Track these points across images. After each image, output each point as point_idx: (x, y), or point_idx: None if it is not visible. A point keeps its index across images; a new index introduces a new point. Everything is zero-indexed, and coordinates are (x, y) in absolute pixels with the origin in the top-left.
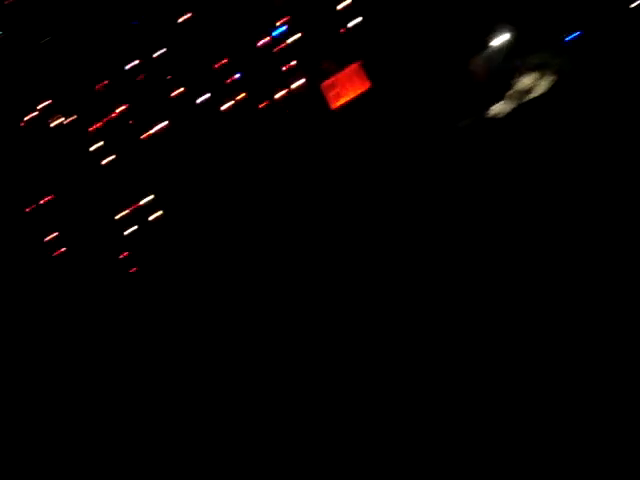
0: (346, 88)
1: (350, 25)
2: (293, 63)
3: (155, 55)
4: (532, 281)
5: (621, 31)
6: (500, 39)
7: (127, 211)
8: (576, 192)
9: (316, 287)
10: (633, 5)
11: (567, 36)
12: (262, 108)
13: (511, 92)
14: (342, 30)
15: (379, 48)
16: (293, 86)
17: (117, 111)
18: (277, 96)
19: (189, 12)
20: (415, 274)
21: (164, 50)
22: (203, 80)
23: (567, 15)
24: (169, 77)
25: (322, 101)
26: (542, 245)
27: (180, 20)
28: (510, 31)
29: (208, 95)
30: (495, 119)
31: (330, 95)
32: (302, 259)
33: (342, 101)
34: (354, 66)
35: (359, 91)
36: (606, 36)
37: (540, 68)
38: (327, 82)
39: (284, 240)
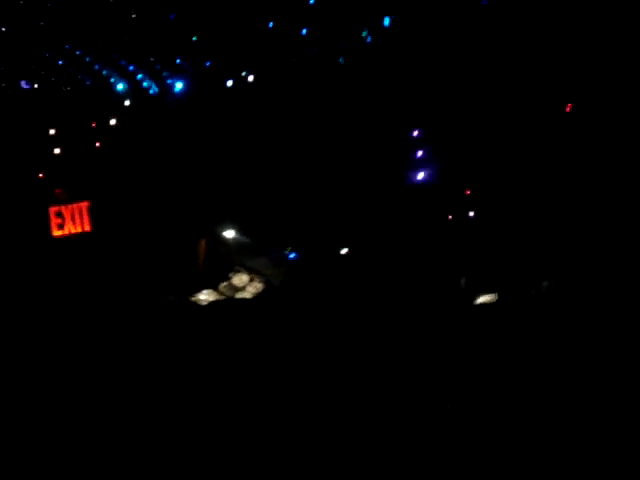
0: (68, 221)
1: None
2: None
3: None
4: None
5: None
6: (230, 233)
7: None
8: None
9: None
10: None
11: (289, 254)
12: None
13: (225, 284)
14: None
15: (109, 192)
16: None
17: None
18: None
19: None
20: None
21: None
22: None
23: (289, 238)
24: None
25: (46, 225)
26: None
27: None
28: (237, 229)
29: None
30: (197, 304)
31: (54, 222)
32: None
33: (63, 232)
34: (82, 204)
35: (78, 230)
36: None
37: (253, 271)
38: (54, 208)
39: None
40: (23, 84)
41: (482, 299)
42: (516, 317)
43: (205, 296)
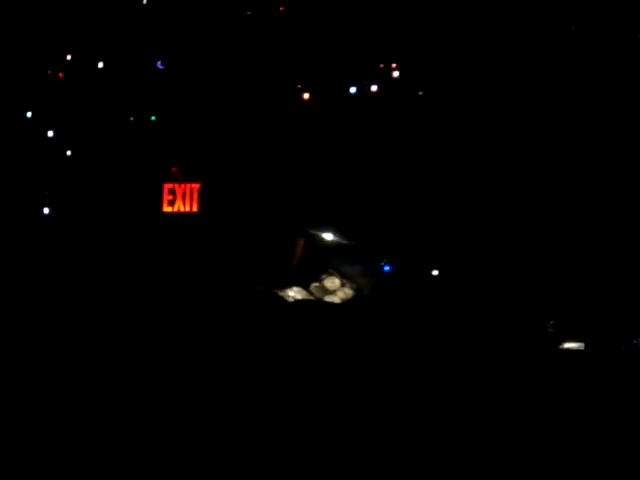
0: (179, 199)
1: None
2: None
3: None
4: None
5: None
6: (328, 235)
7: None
8: None
9: None
10: None
11: (384, 267)
12: None
13: (317, 285)
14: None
15: (220, 178)
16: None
17: None
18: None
19: None
20: None
21: None
22: None
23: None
24: None
25: (158, 200)
26: None
27: None
28: (337, 232)
29: None
30: (285, 301)
31: (166, 198)
32: None
33: (172, 209)
34: (194, 185)
35: (187, 209)
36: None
37: (345, 277)
38: (168, 185)
39: None
40: (158, 64)
41: (568, 345)
42: (603, 370)
43: (294, 293)
